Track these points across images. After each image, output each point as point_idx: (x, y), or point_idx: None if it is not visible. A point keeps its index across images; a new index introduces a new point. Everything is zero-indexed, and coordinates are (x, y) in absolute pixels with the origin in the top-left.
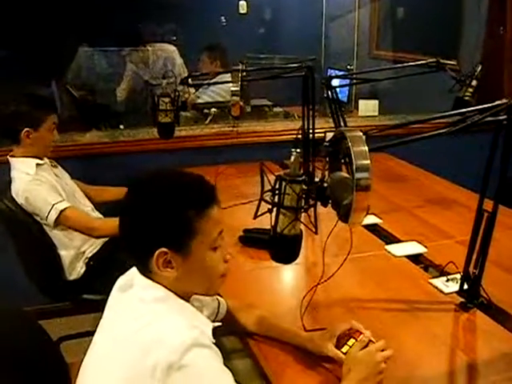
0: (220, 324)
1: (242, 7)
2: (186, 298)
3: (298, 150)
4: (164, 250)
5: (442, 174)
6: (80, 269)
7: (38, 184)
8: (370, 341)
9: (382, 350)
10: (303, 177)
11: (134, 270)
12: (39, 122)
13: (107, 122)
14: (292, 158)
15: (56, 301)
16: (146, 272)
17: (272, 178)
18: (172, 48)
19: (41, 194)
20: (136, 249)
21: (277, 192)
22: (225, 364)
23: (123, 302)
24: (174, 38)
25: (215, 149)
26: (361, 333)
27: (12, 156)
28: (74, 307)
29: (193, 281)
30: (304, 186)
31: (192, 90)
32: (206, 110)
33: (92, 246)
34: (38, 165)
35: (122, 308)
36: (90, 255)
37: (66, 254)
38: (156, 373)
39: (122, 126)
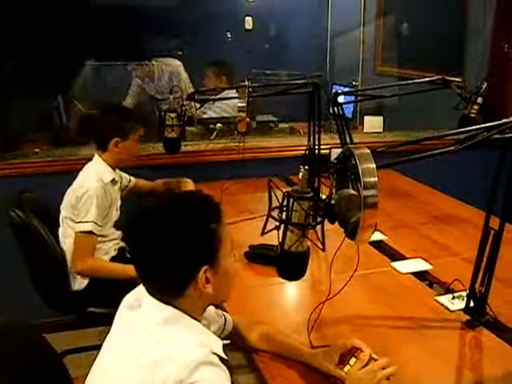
0: (229, 342)
1: (248, 23)
2: (199, 315)
3: (307, 167)
4: (205, 267)
5: (448, 191)
6: (84, 280)
7: (100, 196)
8: (373, 358)
9: (385, 368)
10: (311, 194)
11: (141, 289)
12: (128, 133)
13: None
14: (300, 174)
15: (61, 313)
16: (178, 297)
17: (279, 194)
18: (177, 63)
19: (93, 204)
20: (174, 278)
21: (284, 209)
22: (232, 382)
23: (132, 320)
24: (180, 53)
25: (221, 164)
26: (362, 351)
27: (95, 156)
28: (79, 320)
29: (222, 289)
30: (312, 203)
31: (196, 105)
32: (211, 126)
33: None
34: (113, 181)
35: (131, 326)
36: None
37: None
38: None
39: None
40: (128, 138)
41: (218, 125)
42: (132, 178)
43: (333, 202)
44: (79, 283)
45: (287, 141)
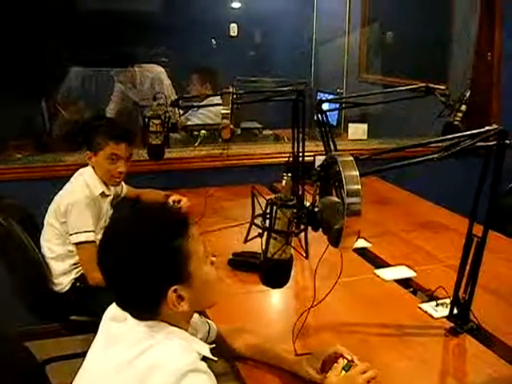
0: (214, 345)
1: (233, 30)
2: (184, 324)
3: (290, 175)
4: (174, 287)
5: (432, 198)
6: (67, 283)
7: (91, 206)
8: (354, 364)
9: (365, 372)
10: (294, 201)
11: None
12: (96, 148)
13: None
14: (283, 182)
15: (43, 320)
16: (153, 317)
17: (262, 201)
18: (159, 69)
19: (84, 214)
20: (141, 301)
21: (268, 216)
22: None
23: (116, 331)
24: (165, 59)
25: (204, 171)
26: (344, 357)
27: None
28: (61, 328)
29: (202, 299)
30: (295, 211)
31: (180, 111)
32: (195, 132)
33: (80, 267)
34: (102, 194)
35: (115, 337)
36: (77, 275)
37: (58, 266)
38: None
39: None
40: (97, 154)
41: (202, 131)
42: (124, 187)
43: (316, 209)
44: (60, 288)
45: (271, 148)
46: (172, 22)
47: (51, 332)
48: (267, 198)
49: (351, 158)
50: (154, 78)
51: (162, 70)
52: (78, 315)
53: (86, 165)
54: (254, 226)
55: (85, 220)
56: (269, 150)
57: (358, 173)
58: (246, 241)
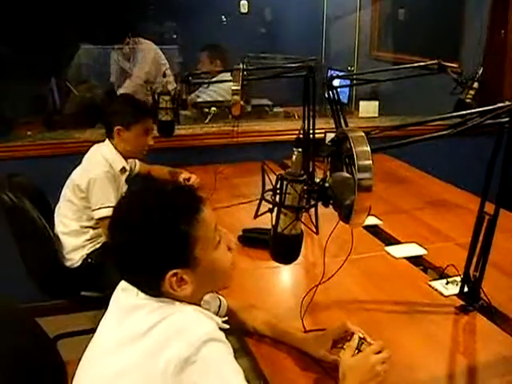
0: (226, 318)
1: (243, 7)
2: (196, 301)
3: (300, 150)
4: (173, 271)
5: (443, 176)
6: (78, 259)
7: (112, 181)
8: (366, 342)
9: (379, 352)
10: (304, 176)
11: None
12: (130, 124)
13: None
14: (293, 157)
15: (54, 297)
16: (158, 295)
17: (273, 177)
18: (149, 44)
19: (107, 189)
20: (143, 279)
21: (278, 191)
22: None
23: (130, 301)
24: (175, 36)
25: (215, 148)
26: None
27: (107, 140)
28: (72, 305)
29: (209, 284)
30: (305, 186)
31: (188, 88)
32: (205, 109)
33: (92, 243)
34: (122, 170)
35: (129, 308)
36: (89, 252)
37: (71, 241)
38: (169, 368)
39: None
40: (130, 129)
41: (213, 108)
42: (137, 163)
43: (327, 185)
44: (71, 263)
45: (282, 125)
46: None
47: (62, 308)
48: (277, 173)
49: (362, 134)
50: (149, 53)
51: (152, 45)
52: (88, 291)
53: (99, 141)
54: (264, 202)
55: (107, 195)
56: (279, 127)
57: (369, 148)
58: (255, 216)
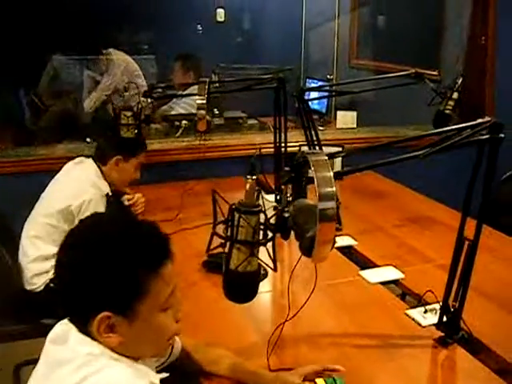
0: (167, 375)
1: (220, 15)
2: (135, 356)
3: (254, 177)
4: (107, 314)
5: (421, 188)
6: (41, 284)
7: (103, 204)
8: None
9: None
10: (260, 207)
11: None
12: (130, 156)
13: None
14: (247, 185)
15: (14, 322)
16: (84, 331)
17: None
18: (123, 56)
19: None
20: (74, 309)
21: (230, 224)
22: None
23: (57, 354)
24: (146, 46)
25: (185, 163)
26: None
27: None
28: (34, 331)
29: (139, 345)
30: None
31: (152, 102)
32: (176, 123)
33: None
34: (106, 195)
35: (56, 361)
36: (52, 277)
37: (37, 266)
38: None
39: (88, 140)
40: (128, 161)
41: (184, 122)
42: None
43: (286, 215)
44: (33, 287)
45: (257, 138)
46: (156, 7)
47: (24, 333)
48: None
49: (325, 157)
50: (120, 64)
51: (126, 57)
52: (49, 318)
53: (70, 158)
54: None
55: None
56: (254, 139)
57: (331, 174)
58: (207, 250)
